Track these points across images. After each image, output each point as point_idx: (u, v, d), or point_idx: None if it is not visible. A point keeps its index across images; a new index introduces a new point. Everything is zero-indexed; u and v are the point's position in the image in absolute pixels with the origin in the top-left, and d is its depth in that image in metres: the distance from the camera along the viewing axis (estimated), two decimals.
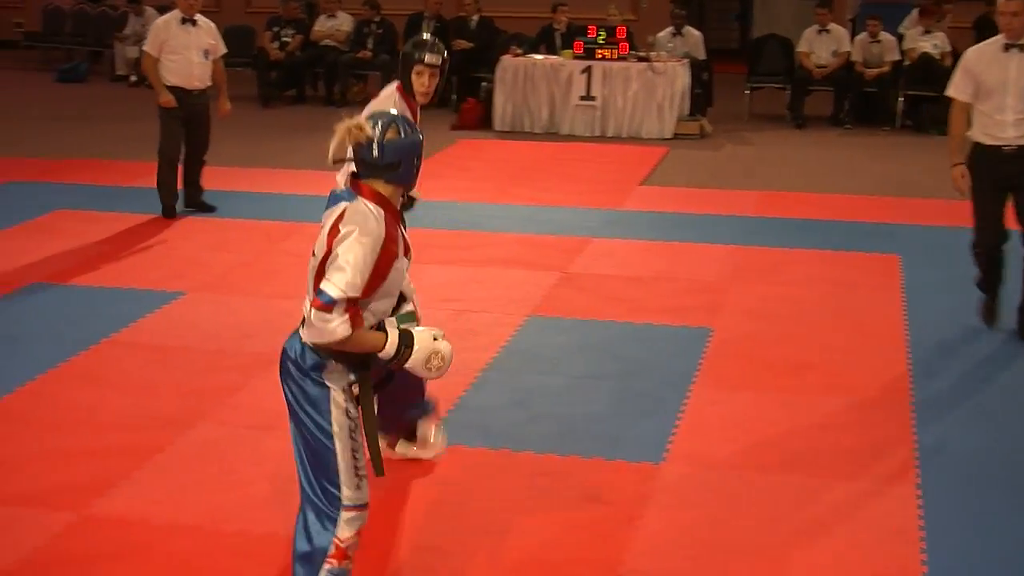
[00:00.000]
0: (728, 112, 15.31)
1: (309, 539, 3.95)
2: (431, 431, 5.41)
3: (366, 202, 3.81)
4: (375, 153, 3.81)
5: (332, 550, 3.93)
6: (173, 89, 9.79)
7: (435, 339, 3.91)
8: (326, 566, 3.93)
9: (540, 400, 6.25)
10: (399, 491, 5.20)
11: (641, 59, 14.16)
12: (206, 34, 9.98)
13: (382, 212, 3.80)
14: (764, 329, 7.37)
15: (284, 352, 3.94)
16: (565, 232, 9.55)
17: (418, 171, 3.94)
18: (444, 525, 4.95)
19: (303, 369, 3.88)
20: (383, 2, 16.45)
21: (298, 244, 9.06)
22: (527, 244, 9.13)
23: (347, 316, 3.71)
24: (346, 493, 3.91)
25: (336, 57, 16.09)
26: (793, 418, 6.04)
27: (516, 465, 5.50)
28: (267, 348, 6.77)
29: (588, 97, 14.15)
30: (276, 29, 16.42)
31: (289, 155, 12.55)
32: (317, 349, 3.83)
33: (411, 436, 5.40)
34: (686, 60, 14.34)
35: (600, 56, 14.15)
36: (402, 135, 3.83)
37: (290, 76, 16.36)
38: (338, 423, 3.88)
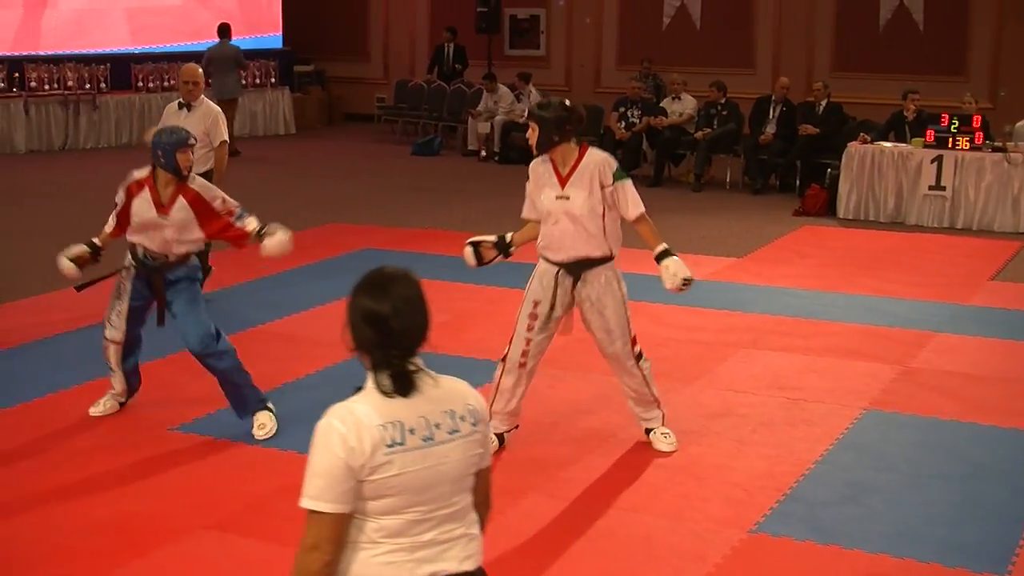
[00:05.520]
0: None
1: None
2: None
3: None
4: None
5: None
6: None
7: None
8: None
9: (875, 497, 6.05)
10: None
11: (996, 149, 13.64)
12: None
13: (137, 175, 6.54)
14: None
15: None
16: (908, 325, 9.26)
17: (168, 160, 6.33)
18: None
19: None
20: (733, 85, 16.53)
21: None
22: (868, 335, 8.90)
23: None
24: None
25: (678, 137, 16.32)
26: None
27: (846, 563, 5.34)
28: (601, 424, 6.86)
29: (938, 187, 13.72)
30: (623, 109, 16.70)
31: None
32: None
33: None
34: None
35: (952, 145, 13.72)
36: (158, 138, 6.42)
37: (636, 155, 16.58)
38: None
